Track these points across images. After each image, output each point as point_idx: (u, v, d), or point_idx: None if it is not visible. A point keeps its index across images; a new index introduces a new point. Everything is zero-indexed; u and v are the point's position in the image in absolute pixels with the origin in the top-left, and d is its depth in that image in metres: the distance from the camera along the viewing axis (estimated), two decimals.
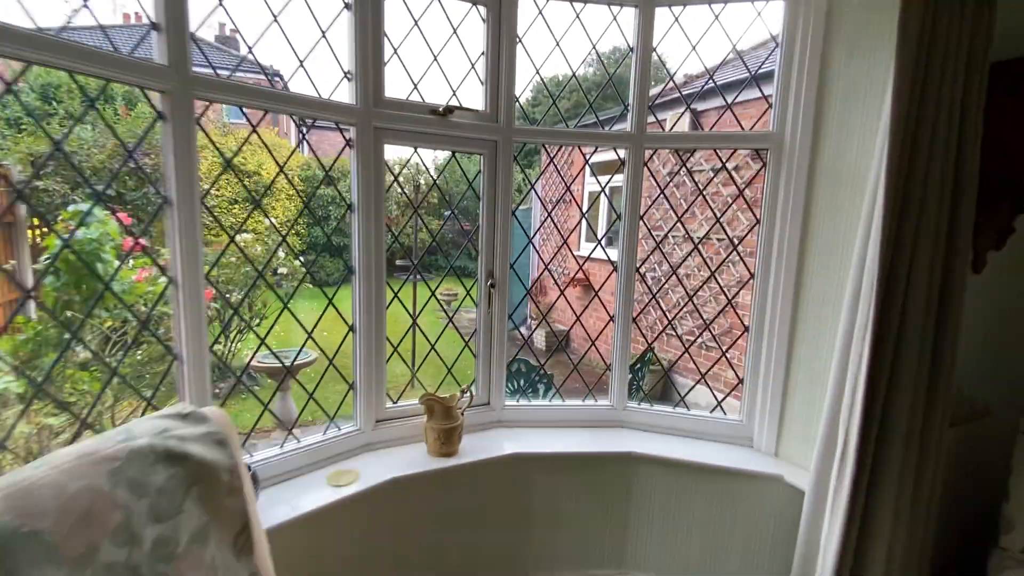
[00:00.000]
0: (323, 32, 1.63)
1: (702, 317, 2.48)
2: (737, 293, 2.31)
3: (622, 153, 2.04)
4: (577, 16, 1.99)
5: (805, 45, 1.78)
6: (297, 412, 3.79)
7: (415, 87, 1.81)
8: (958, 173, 1.41)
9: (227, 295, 4.75)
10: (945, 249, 1.44)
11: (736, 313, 2.27)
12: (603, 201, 6.82)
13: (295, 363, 3.68)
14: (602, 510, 1.96)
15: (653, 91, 2.00)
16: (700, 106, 5.37)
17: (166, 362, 3.19)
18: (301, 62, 1.60)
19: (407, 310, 1.95)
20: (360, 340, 1.80)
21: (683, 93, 5.20)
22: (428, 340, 2.02)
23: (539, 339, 7.33)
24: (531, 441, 1.97)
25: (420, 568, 1.79)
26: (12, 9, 1.09)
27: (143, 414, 2.00)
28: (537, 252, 2.10)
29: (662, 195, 2.09)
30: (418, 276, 2.16)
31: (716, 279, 2.27)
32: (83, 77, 1.21)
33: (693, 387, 2.33)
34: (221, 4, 1.42)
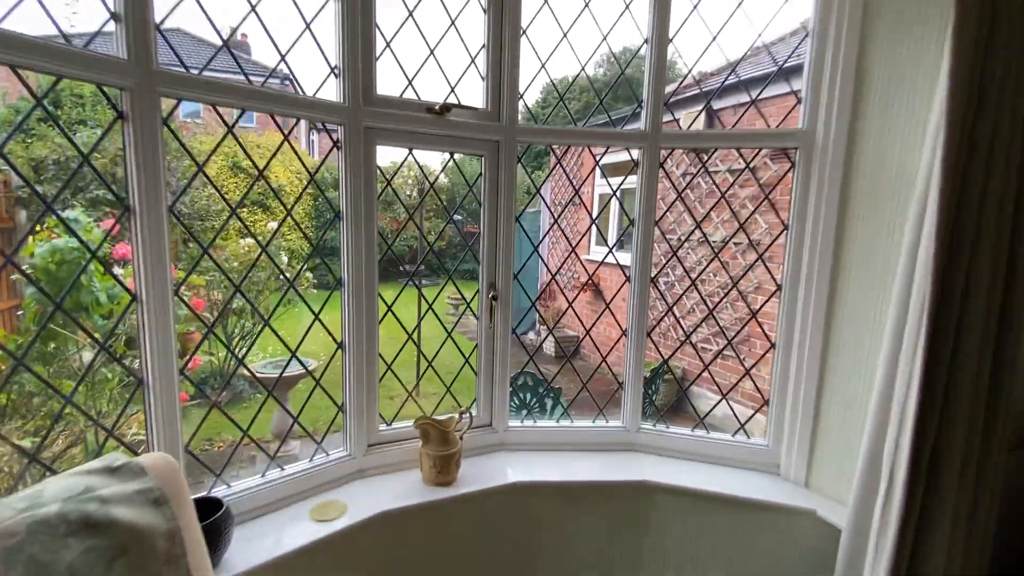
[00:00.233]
0: (307, 24, 1.49)
1: (719, 324, 2.30)
2: (762, 306, 2.12)
3: (635, 154, 1.87)
4: (587, 5, 1.83)
5: (840, 32, 1.61)
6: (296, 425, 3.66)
7: (409, 83, 1.67)
8: None
9: (229, 302, 4.66)
10: (1008, 256, 1.25)
11: (757, 321, 2.09)
12: (615, 204, 6.63)
13: (291, 374, 3.55)
14: (614, 545, 1.79)
15: (667, 89, 1.84)
16: (716, 104, 5.17)
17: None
18: (283, 56, 1.47)
19: (401, 324, 1.80)
20: (350, 358, 1.66)
21: (700, 90, 5.01)
22: (426, 358, 1.88)
23: (549, 346, 7.16)
24: (536, 467, 1.81)
25: None
26: None
27: (102, 445, 1.87)
28: (541, 259, 1.96)
29: (679, 198, 1.94)
30: (424, 281, 2.02)
31: (737, 289, 2.09)
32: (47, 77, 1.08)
33: (714, 408, 2.16)
34: None
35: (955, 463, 1.29)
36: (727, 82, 4.79)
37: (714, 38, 1.84)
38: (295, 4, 1.45)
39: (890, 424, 1.36)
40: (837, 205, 1.65)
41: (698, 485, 1.74)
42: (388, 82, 1.62)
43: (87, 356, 2.68)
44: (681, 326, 2.24)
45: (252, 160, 1.60)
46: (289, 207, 1.60)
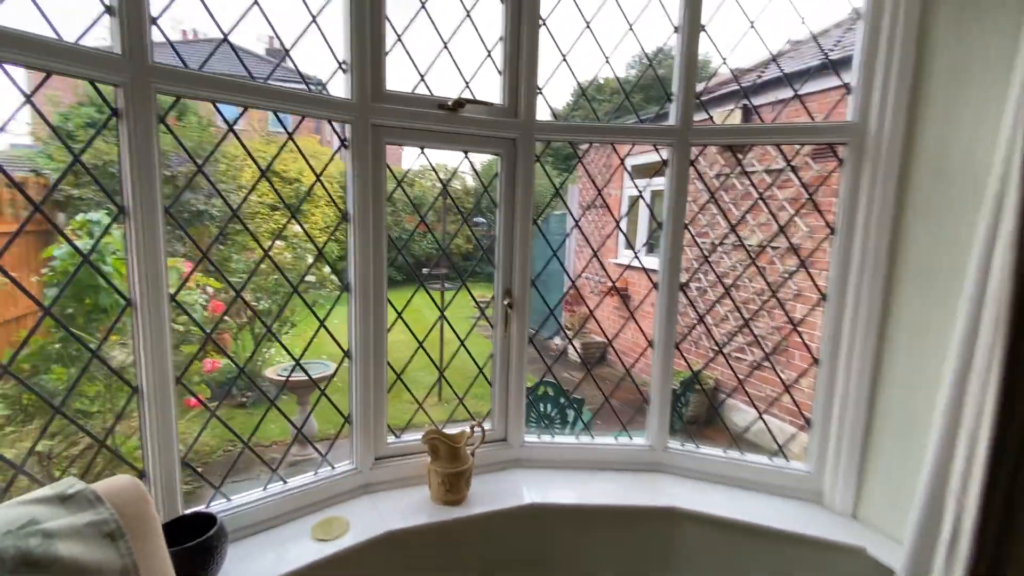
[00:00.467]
0: (313, 17, 1.42)
1: (753, 334, 2.13)
2: (804, 318, 1.95)
3: (664, 154, 1.74)
4: None
5: (897, 11, 1.44)
6: (317, 427, 3.64)
7: (422, 79, 1.58)
8: None
9: (255, 303, 4.70)
10: None
11: (797, 332, 1.91)
12: (644, 206, 6.44)
13: (313, 376, 3.52)
14: None
15: (701, 87, 1.70)
16: (754, 101, 4.93)
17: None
18: (287, 51, 1.40)
19: (411, 331, 1.71)
20: (356, 367, 1.58)
21: (734, 85, 4.80)
22: (436, 366, 1.78)
23: (574, 349, 7.00)
24: (553, 487, 1.69)
25: None
26: None
27: (95, 456, 1.85)
28: (560, 263, 1.86)
29: (712, 199, 1.80)
30: (448, 285, 1.93)
31: (775, 297, 1.92)
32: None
33: (749, 427, 1.99)
34: None
35: None
36: (767, 76, 4.56)
37: (751, 24, 1.69)
38: None
39: (956, 454, 1.19)
40: (892, 206, 1.48)
41: (730, 514, 1.58)
42: (399, 77, 1.53)
43: (120, 357, 2.71)
44: (712, 336, 2.08)
45: (255, 161, 1.54)
46: (307, 210, 1.53)
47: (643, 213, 6.91)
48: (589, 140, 1.77)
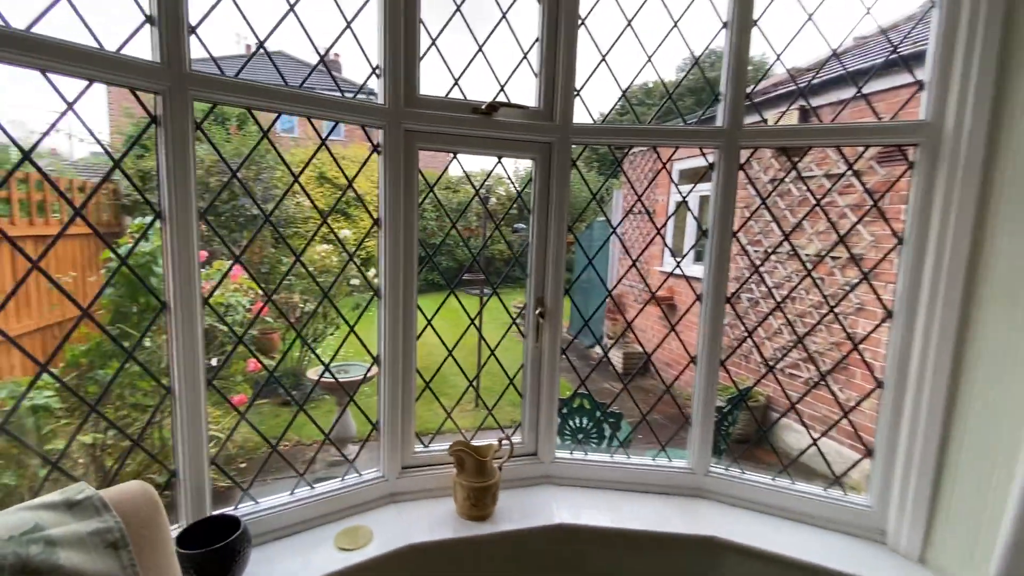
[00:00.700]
0: (348, 23, 1.42)
1: (807, 351, 1.96)
2: (868, 336, 1.78)
3: (711, 157, 1.63)
4: None
5: (978, 2, 1.28)
6: (355, 429, 3.69)
7: (456, 83, 1.55)
8: None
9: (302, 305, 4.85)
10: None
11: (857, 351, 1.73)
12: (692, 211, 6.22)
13: (352, 379, 3.58)
14: None
15: (755, 87, 1.59)
16: (813, 101, 4.67)
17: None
18: (322, 57, 1.41)
19: (440, 339, 1.68)
20: (385, 374, 1.56)
21: (791, 86, 4.58)
22: (466, 376, 1.74)
23: (615, 359, 6.83)
24: (585, 507, 1.61)
25: None
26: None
27: (127, 455, 1.90)
28: (595, 271, 1.78)
29: (763, 206, 1.68)
30: (487, 290, 1.89)
31: (833, 312, 1.76)
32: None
33: (803, 453, 1.84)
34: None
35: None
36: (826, 74, 4.29)
37: (809, 17, 1.56)
38: (335, 2, 1.39)
39: None
40: (972, 214, 1.32)
41: (779, 548, 1.45)
42: (433, 81, 1.51)
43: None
44: (759, 352, 1.94)
45: (289, 167, 1.55)
46: (356, 215, 1.53)
47: (691, 220, 6.67)
48: (629, 143, 1.69)
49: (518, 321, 1.74)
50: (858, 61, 4.69)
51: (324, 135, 1.49)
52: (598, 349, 7.62)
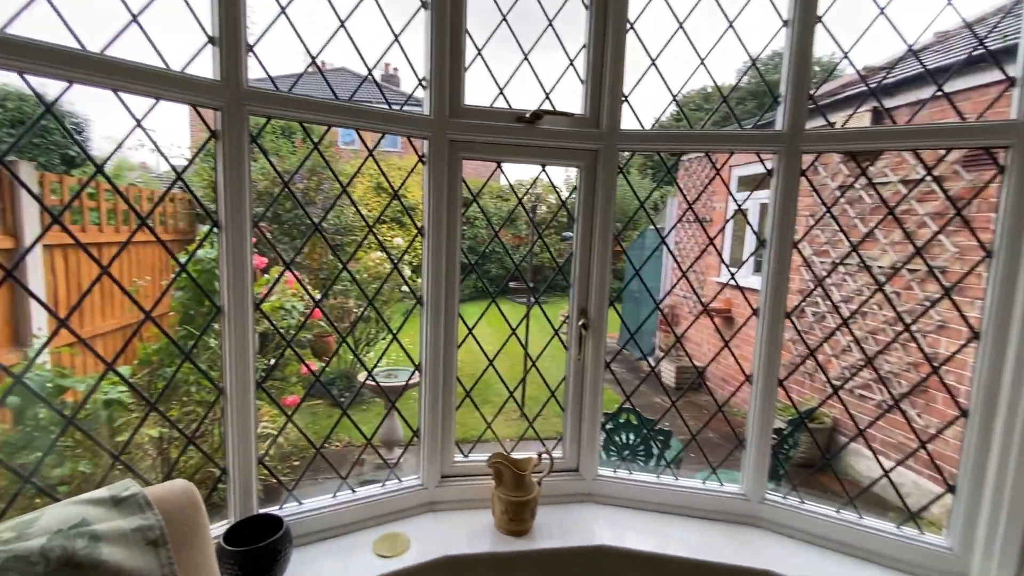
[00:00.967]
0: (396, 36, 1.45)
1: (877, 372, 1.79)
2: (951, 358, 1.62)
3: (769, 163, 1.54)
4: None
5: None
6: (402, 433, 3.75)
7: (501, 92, 1.55)
8: None
9: (356, 310, 5.01)
10: None
11: (937, 374, 1.55)
12: (751, 219, 5.94)
13: (397, 384, 3.65)
14: None
15: (823, 89, 1.48)
16: (887, 102, 4.34)
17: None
18: (370, 71, 1.44)
19: (481, 348, 1.67)
20: (426, 382, 1.56)
21: (861, 86, 4.27)
22: (506, 386, 1.72)
23: (668, 374, 6.59)
24: (628, 529, 1.54)
25: None
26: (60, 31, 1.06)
27: (183, 451, 1.99)
28: (642, 281, 1.70)
29: (828, 214, 1.55)
30: (532, 299, 1.87)
31: (909, 331, 1.60)
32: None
33: (872, 485, 1.68)
34: (284, 12, 1.31)
35: None
36: (902, 73, 3.99)
37: (882, 11, 1.44)
38: (383, 17, 1.43)
39: None
40: None
41: None
42: (477, 90, 1.52)
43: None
44: (823, 371, 1.80)
45: (337, 177, 1.60)
46: (409, 224, 1.56)
47: (752, 228, 6.37)
48: (679, 148, 1.62)
49: (562, 331, 1.70)
50: (939, 58, 4.33)
51: (372, 146, 1.52)
52: (651, 361, 7.40)
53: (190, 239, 4.72)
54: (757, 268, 5.89)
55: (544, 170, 1.64)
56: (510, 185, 1.79)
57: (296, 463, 3.55)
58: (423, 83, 1.48)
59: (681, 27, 1.57)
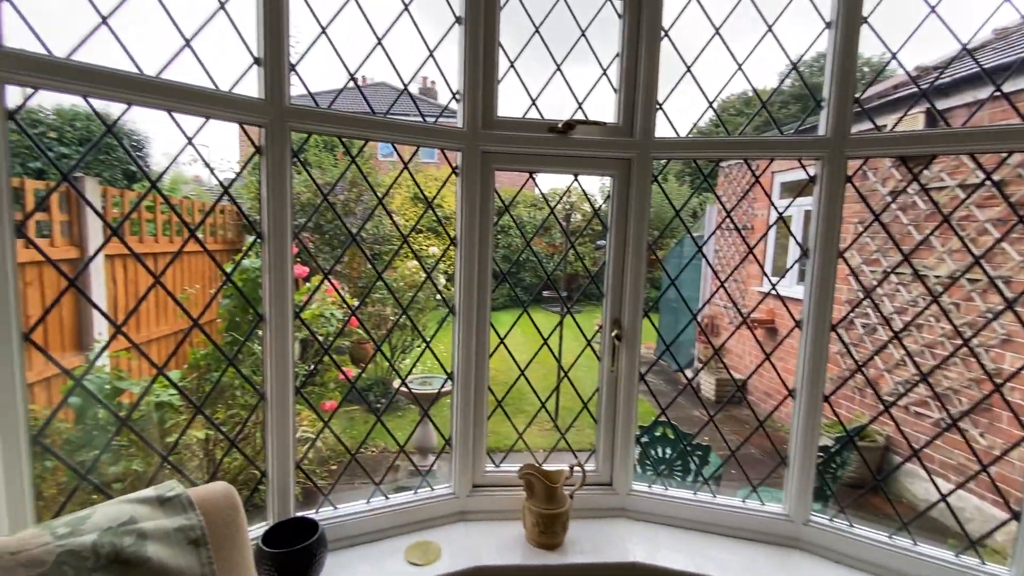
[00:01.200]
0: (431, 51, 1.49)
1: (932, 389, 1.69)
2: (1017, 374, 1.51)
3: (812, 170, 1.49)
4: None
5: None
6: (436, 440, 3.78)
7: (533, 103, 1.56)
8: None
9: (393, 318, 5.10)
10: None
11: (1000, 393, 1.44)
12: (795, 227, 5.73)
13: (431, 391, 3.68)
14: None
15: (862, 93, 1.42)
16: (940, 104, 4.12)
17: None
18: (405, 86, 1.48)
19: (512, 357, 1.66)
20: (458, 391, 1.57)
21: (910, 88, 4.07)
22: (538, 396, 1.71)
23: (708, 387, 6.41)
24: (663, 547, 1.50)
25: None
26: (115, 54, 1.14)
27: (226, 454, 2.06)
28: (679, 293, 1.65)
29: (876, 221, 1.47)
30: (565, 308, 1.86)
31: (968, 345, 1.50)
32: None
33: (929, 509, 1.58)
34: (324, 32, 1.36)
35: None
36: (957, 73, 3.78)
37: (932, 9, 1.38)
38: (419, 32, 1.46)
39: None
40: None
41: None
42: (510, 101, 1.53)
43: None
44: (872, 387, 1.70)
45: (373, 189, 1.64)
46: (444, 233, 1.59)
47: (796, 235, 6.14)
48: (714, 156, 1.58)
49: (595, 341, 1.68)
50: (998, 56, 4.08)
51: (407, 159, 1.56)
52: (689, 373, 7.22)
53: (238, 249, 4.95)
54: (802, 277, 5.67)
55: (576, 179, 1.64)
56: (542, 194, 1.79)
57: (334, 467, 3.63)
58: (456, 96, 1.51)
59: (717, 32, 1.55)
